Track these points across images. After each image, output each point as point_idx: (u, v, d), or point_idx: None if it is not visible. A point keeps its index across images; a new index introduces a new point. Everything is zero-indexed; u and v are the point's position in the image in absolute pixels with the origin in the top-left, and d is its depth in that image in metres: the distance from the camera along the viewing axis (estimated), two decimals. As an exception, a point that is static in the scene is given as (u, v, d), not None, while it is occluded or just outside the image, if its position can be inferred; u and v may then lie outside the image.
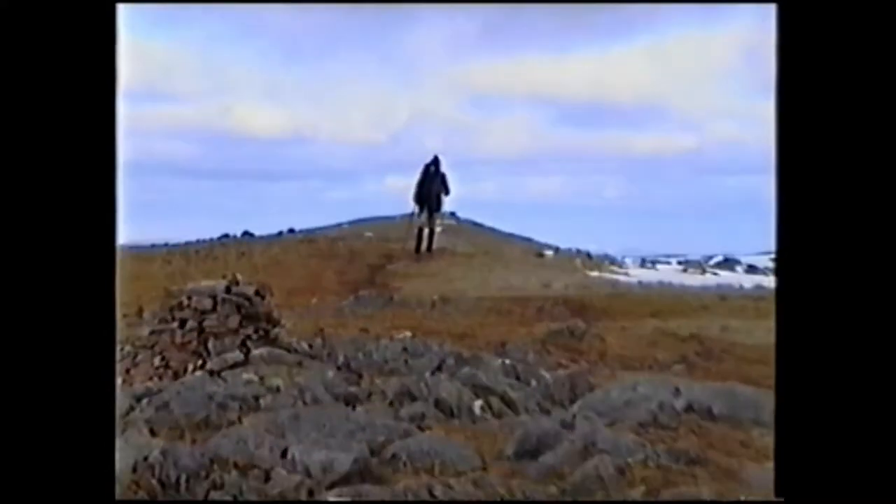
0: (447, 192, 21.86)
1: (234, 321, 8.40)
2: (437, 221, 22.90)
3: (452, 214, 29.15)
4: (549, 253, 26.28)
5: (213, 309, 8.38)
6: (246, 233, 29.72)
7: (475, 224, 31.33)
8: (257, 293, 8.61)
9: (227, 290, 8.48)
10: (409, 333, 10.22)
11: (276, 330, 8.61)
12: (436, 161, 21.60)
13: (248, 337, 8.41)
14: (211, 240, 28.53)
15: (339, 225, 31.08)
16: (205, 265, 20.71)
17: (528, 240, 30.52)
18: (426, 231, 22.41)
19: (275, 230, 30.41)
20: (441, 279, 19.20)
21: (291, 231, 30.33)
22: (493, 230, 31.41)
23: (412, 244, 22.51)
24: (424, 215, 21.99)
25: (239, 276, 8.79)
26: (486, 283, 18.35)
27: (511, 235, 31.03)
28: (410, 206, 21.96)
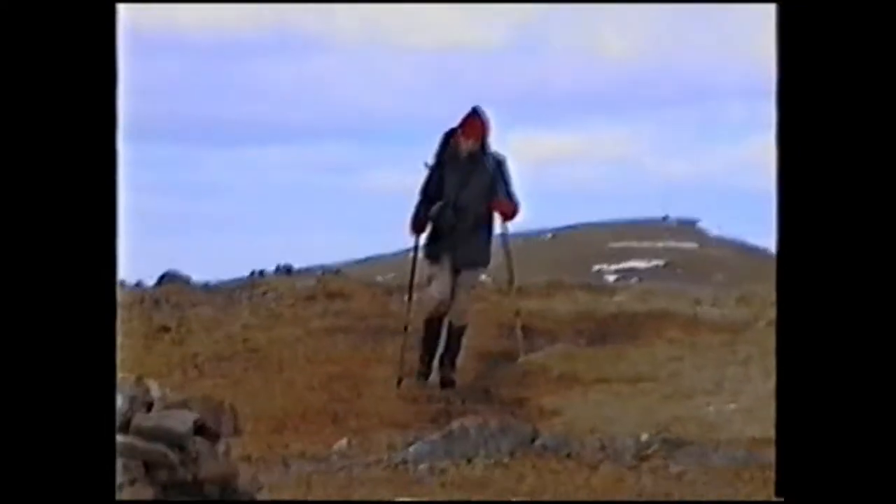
0: (511, 211, 8.28)
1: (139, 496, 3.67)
2: (478, 281, 8.79)
3: (693, 223, 10.29)
4: None
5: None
6: (167, 276, 12.07)
7: (746, 247, 8.79)
8: (200, 428, 3.84)
9: (124, 420, 3.71)
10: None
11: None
12: (476, 128, 7.87)
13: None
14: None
15: (401, 254, 13.31)
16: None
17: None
18: (449, 303, 8.15)
19: (243, 269, 13.13)
20: (661, 390, 7.87)
21: (284, 269, 13.20)
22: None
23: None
24: (445, 266, 8.10)
25: (152, 385, 3.94)
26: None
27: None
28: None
